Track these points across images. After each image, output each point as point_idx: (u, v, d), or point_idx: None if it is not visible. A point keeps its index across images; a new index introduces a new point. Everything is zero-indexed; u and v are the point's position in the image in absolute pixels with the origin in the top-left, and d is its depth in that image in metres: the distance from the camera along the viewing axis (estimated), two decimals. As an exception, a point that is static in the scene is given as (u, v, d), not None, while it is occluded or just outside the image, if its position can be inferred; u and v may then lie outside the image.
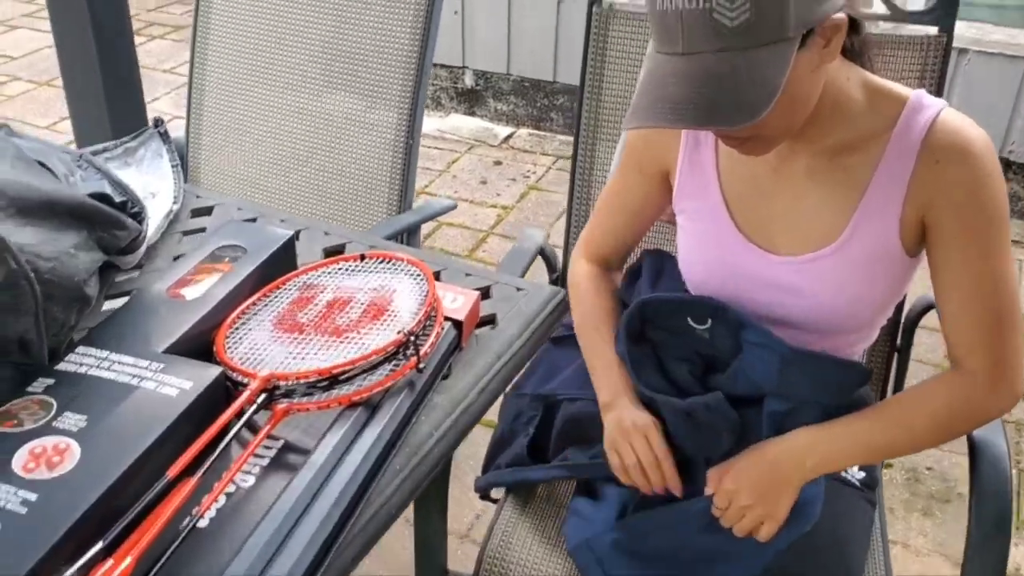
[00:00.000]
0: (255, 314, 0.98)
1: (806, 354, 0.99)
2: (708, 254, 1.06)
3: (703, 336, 1.04)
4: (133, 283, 1.12)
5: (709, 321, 1.02)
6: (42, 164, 0.95)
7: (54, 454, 0.73)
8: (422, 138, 1.67)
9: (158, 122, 1.41)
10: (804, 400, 1.00)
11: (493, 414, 1.49)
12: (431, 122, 3.78)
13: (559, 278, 1.51)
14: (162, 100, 4.04)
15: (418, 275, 1.01)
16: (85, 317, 0.88)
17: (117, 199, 0.98)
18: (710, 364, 1.05)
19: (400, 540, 1.37)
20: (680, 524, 1.01)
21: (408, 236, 1.64)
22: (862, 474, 1.10)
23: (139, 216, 1.00)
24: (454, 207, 1.69)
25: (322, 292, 1.01)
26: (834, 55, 0.89)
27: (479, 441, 1.29)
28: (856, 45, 0.96)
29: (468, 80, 3.77)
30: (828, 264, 0.98)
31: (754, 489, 0.98)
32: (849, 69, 0.96)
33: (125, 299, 1.10)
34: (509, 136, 3.70)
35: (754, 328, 0.99)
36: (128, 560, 0.68)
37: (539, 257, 1.47)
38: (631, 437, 1.03)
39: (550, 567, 1.14)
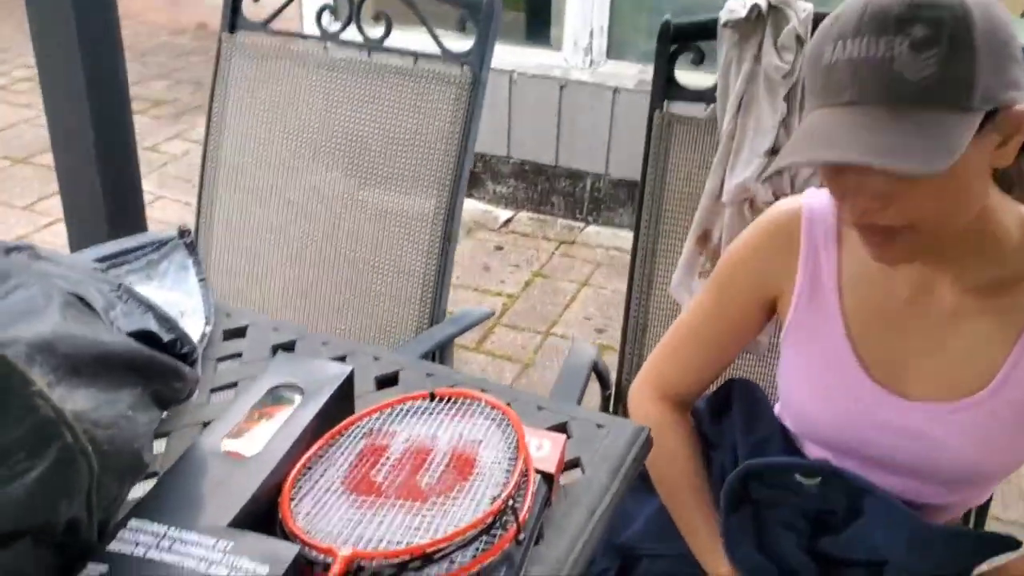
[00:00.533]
0: (319, 469, 0.87)
1: (942, 531, 0.89)
2: (826, 395, 0.96)
3: (810, 489, 0.94)
4: (169, 423, 1.00)
5: (819, 478, 0.92)
6: (81, 300, 0.84)
7: (117, 675, 0.61)
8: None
9: (184, 232, 1.31)
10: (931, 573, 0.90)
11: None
12: (428, 205, 3.71)
13: (611, 397, 1.42)
14: (147, 178, 3.94)
15: (502, 420, 0.91)
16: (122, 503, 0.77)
17: (165, 338, 0.87)
18: (820, 522, 0.95)
19: None
20: None
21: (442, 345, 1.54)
22: None
23: (191, 358, 0.89)
24: (491, 314, 1.59)
25: (392, 440, 0.90)
26: (1007, 159, 0.80)
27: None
28: (1018, 172, 0.88)
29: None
30: (976, 414, 0.89)
31: None
32: (1007, 202, 0.88)
33: (163, 441, 0.99)
34: (509, 219, 3.64)
35: (878, 498, 0.90)
36: None
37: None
38: None
39: None
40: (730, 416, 1.06)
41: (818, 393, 0.97)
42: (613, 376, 1.44)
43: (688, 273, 1.29)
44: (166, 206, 3.67)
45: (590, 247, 3.42)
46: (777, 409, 1.07)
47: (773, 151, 1.22)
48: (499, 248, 3.43)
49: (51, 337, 0.69)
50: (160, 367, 0.79)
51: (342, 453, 0.89)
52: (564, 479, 0.95)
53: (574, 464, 0.97)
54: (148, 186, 3.83)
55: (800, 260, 0.97)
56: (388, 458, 0.88)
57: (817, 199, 0.97)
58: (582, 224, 3.57)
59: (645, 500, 1.09)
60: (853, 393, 0.94)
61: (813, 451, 1.00)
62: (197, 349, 0.91)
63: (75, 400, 0.68)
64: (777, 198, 1.22)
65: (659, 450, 1.07)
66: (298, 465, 0.86)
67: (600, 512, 0.91)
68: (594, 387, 1.44)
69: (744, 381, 1.12)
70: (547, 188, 3.61)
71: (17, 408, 0.63)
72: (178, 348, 0.88)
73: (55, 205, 2.24)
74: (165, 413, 0.97)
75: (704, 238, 1.28)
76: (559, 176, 3.57)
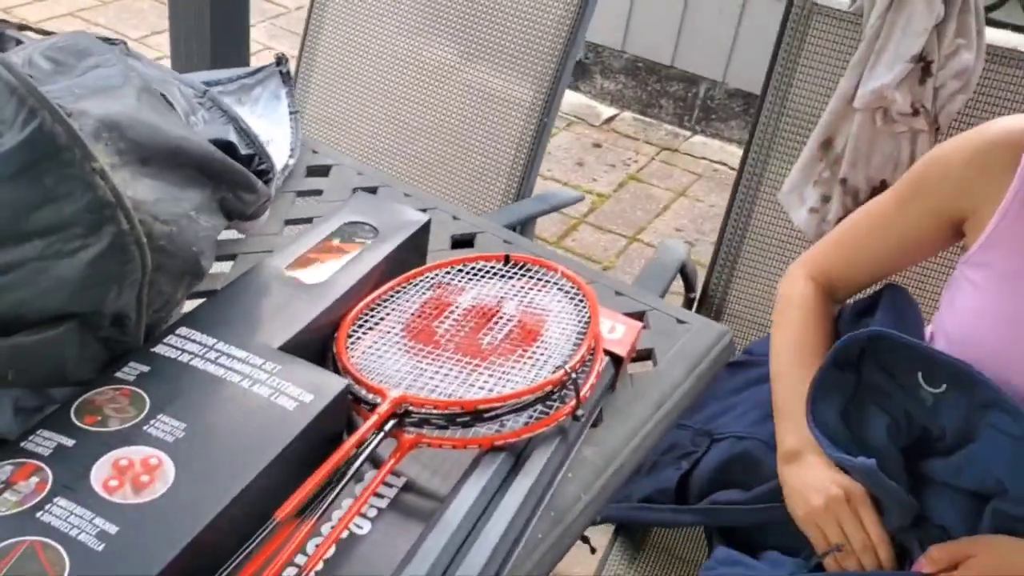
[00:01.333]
0: (381, 313, 0.83)
1: None
2: (1005, 320, 0.89)
3: (925, 399, 0.86)
4: (239, 246, 0.97)
5: (944, 386, 0.85)
6: (163, 97, 0.80)
7: (143, 471, 0.59)
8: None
9: (280, 60, 1.26)
10: None
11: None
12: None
13: (695, 301, 1.34)
14: (256, 28, 3.91)
15: (576, 294, 0.85)
16: (177, 305, 0.74)
17: (243, 151, 0.83)
18: (921, 441, 0.88)
19: None
20: None
21: (523, 225, 1.48)
22: None
23: (267, 175, 0.85)
24: (580, 199, 1.52)
25: (460, 296, 0.86)
26: None
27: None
28: None
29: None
30: None
31: None
32: None
33: (229, 264, 0.96)
34: (612, 117, 3.51)
35: (1009, 411, 0.82)
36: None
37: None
38: (838, 512, 0.87)
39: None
40: (873, 317, 0.98)
41: (993, 316, 0.90)
42: (700, 283, 1.36)
43: (804, 179, 1.19)
44: (271, 58, 3.65)
45: (693, 157, 3.28)
46: (929, 331, 0.99)
47: (921, 58, 1.09)
48: (597, 145, 3.32)
49: (121, 118, 0.65)
50: (232, 175, 0.74)
51: (407, 301, 0.85)
52: (634, 369, 0.89)
53: (647, 356, 0.91)
54: (257, 35, 3.81)
55: (1016, 176, 0.89)
56: (452, 312, 0.83)
57: None
58: (688, 132, 3.43)
59: (747, 389, 1.04)
60: None
61: None
62: (275, 169, 0.87)
63: (136, 188, 0.64)
64: (915, 109, 1.11)
65: (787, 319, 1.02)
66: (360, 305, 0.82)
67: (667, 408, 0.85)
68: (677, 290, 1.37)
69: (898, 287, 1.03)
70: (657, 90, 3.46)
71: (77, 181, 0.60)
72: (255, 164, 0.84)
73: (165, 41, 2.22)
74: (234, 233, 0.94)
75: (827, 144, 1.17)
76: (672, 78, 3.40)
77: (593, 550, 1.09)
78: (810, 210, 1.18)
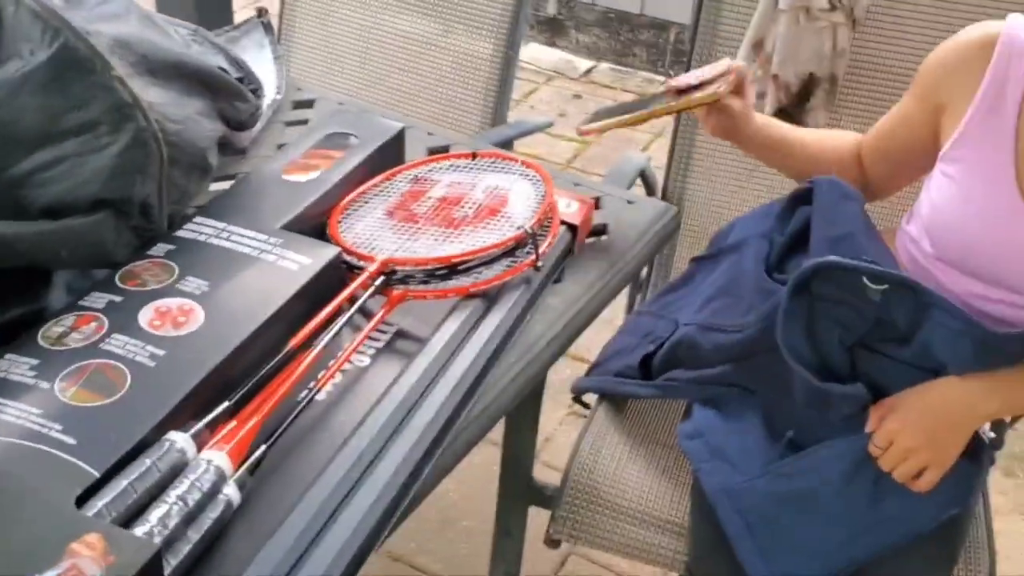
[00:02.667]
0: (366, 202, 0.97)
1: (1011, 335, 0.92)
2: (973, 211, 0.98)
3: (872, 296, 0.96)
4: (241, 166, 1.11)
5: (886, 285, 0.95)
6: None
7: (179, 314, 0.73)
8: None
9: (261, 12, 1.39)
10: None
11: (580, 350, 1.46)
12: (510, 50, 3.71)
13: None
14: None
15: (534, 177, 0.98)
16: (198, 196, 0.87)
17: (234, 75, 0.96)
18: (878, 329, 0.96)
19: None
20: (828, 464, 0.97)
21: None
22: (992, 434, 1.05)
23: (257, 92, 0.98)
24: (551, 124, 1.65)
25: (434, 187, 0.99)
26: None
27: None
28: None
29: (551, 7, 3.69)
30: None
31: (922, 431, 0.93)
32: None
33: (230, 183, 1.09)
34: (590, 69, 3.62)
35: (948, 310, 0.92)
36: (254, 421, 0.67)
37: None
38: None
39: (638, 479, 1.13)
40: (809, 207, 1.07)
41: (961, 206, 0.99)
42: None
43: (739, 80, 1.31)
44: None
45: (668, 100, 3.40)
46: (904, 221, 1.09)
47: (835, -44, 1.21)
48: (577, 96, 3.44)
49: (130, 37, 0.78)
50: (227, 86, 0.88)
51: (388, 193, 0.98)
52: (591, 241, 1.02)
53: (602, 231, 1.05)
54: None
55: (987, 75, 0.98)
56: (429, 197, 0.96)
57: (1021, 27, 0.97)
58: (663, 77, 3.54)
59: (718, 281, 1.14)
60: (1002, 210, 0.96)
61: (939, 269, 1.02)
62: (262, 87, 1.00)
63: (148, 94, 0.77)
64: (832, 5, 1.23)
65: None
66: (347, 199, 0.96)
67: (618, 267, 0.99)
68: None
69: (830, 179, 1.09)
70: (630, 39, 3.57)
71: (100, 87, 0.73)
72: (246, 83, 0.97)
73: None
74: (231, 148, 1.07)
75: (758, 46, 1.30)
76: (643, 26, 3.52)
77: (587, 405, 1.23)
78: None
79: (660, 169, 1.51)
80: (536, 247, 0.88)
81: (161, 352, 0.69)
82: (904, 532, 0.95)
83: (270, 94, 1.26)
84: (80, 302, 0.74)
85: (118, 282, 0.76)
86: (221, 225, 0.84)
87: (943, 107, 1.03)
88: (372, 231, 0.91)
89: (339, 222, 0.92)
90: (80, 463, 0.61)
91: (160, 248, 0.81)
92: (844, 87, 1.32)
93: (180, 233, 0.83)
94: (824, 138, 1.17)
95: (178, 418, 0.65)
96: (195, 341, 0.71)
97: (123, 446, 0.62)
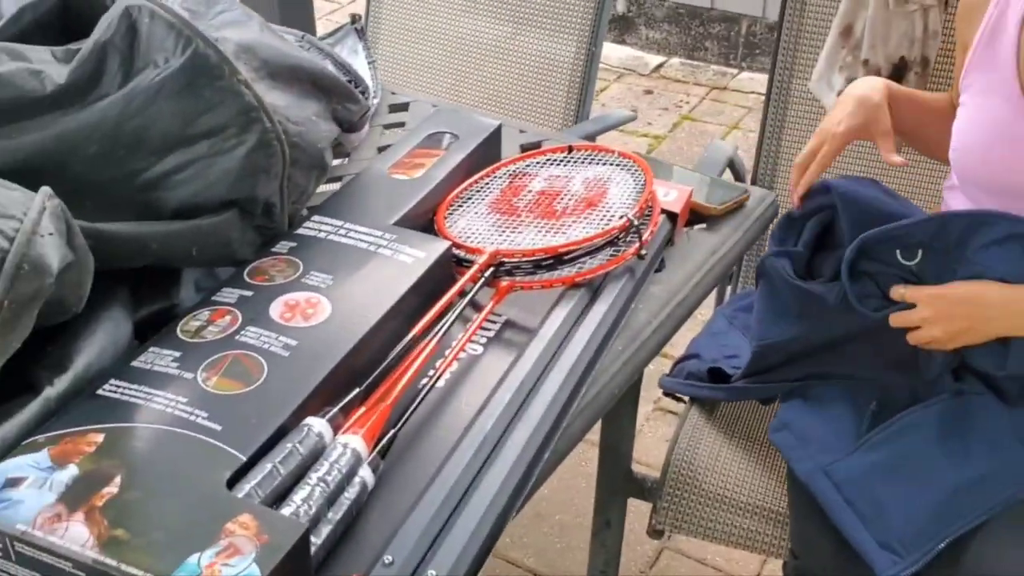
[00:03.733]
0: (469, 198, 0.99)
1: None
2: (985, 126, 1.01)
3: (911, 269, 0.99)
4: (346, 169, 1.14)
5: (920, 253, 0.97)
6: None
7: (307, 307, 0.76)
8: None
9: (355, 18, 1.43)
10: None
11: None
12: (580, 49, 3.72)
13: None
14: None
15: (633, 167, 1.00)
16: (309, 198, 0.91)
17: (342, 79, 1.00)
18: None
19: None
20: (916, 427, 0.97)
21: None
22: None
23: (365, 95, 1.01)
24: (634, 117, 1.66)
25: (533, 180, 1.01)
26: None
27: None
28: None
29: (620, 6, 3.69)
30: None
31: (950, 322, 0.96)
32: None
33: (338, 184, 1.13)
34: (660, 65, 3.61)
35: (983, 222, 0.94)
36: (383, 407, 0.70)
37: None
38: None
39: (736, 470, 1.13)
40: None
41: (974, 125, 1.02)
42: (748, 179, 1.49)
43: (829, 67, 1.31)
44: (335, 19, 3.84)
45: (742, 92, 3.37)
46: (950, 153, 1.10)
47: (927, -62, 1.20)
48: (648, 92, 3.43)
49: (252, 43, 0.82)
50: (340, 88, 0.91)
51: (489, 188, 1.01)
52: (692, 231, 1.03)
53: (700, 220, 1.06)
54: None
55: (991, 4, 1.02)
56: (529, 191, 0.99)
57: None
58: (735, 70, 3.51)
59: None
60: (1010, 119, 0.98)
61: (969, 193, 1.05)
62: (369, 89, 1.04)
63: (270, 97, 0.81)
64: (925, -16, 1.22)
65: None
66: (450, 196, 0.99)
67: (720, 254, 1.00)
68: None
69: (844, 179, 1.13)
70: (701, 33, 3.55)
71: (228, 91, 0.77)
72: (354, 87, 1.01)
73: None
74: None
75: (847, 31, 1.29)
76: (714, 20, 3.49)
77: (682, 400, 1.24)
78: (839, 94, 1.30)
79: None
80: (640, 235, 0.89)
81: (293, 342, 0.72)
82: (1007, 495, 0.94)
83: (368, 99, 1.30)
84: (213, 297, 0.78)
85: (246, 278, 0.80)
86: (338, 223, 0.88)
87: (967, 46, 1.07)
88: (476, 225, 0.94)
89: (445, 217, 0.95)
90: (227, 447, 0.64)
91: (283, 245, 0.84)
92: (936, 70, 1.31)
93: (301, 231, 0.87)
94: (939, 98, 1.19)
95: (313, 404, 0.69)
96: (324, 331, 0.74)
97: (266, 431, 0.65)
